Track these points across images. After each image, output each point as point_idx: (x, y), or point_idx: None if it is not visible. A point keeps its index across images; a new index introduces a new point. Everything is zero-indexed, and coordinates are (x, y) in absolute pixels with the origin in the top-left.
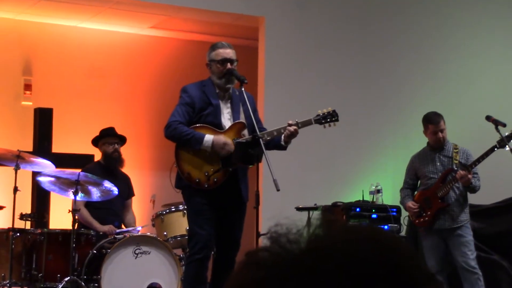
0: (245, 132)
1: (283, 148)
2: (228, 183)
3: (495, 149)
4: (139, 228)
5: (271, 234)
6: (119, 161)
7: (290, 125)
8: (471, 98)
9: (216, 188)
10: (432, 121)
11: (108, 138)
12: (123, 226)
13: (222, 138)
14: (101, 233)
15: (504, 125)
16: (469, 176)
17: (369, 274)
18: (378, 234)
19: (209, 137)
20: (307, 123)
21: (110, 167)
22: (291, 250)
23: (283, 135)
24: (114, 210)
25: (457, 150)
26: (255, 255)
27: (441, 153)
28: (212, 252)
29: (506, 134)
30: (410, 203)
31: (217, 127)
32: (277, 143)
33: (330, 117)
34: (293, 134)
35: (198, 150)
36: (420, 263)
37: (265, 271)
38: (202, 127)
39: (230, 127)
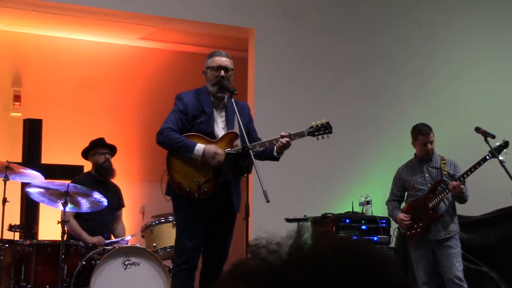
0: (238, 142)
1: (276, 159)
2: (219, 193)
3: (487, 158)
4: (128, 238)
5: (252, 247)
6: (110, 171)
7: (282, 136)
8: (460, 110)
9: (206, 198)
10: (422, 132)
11: (99, 148)
12: (112, 237)
13: (213, 148)
14: (90, 244)
15: (493, 137)
16: (462, 186)
17: (351, 284)
18: (360, 245)
19: (200, 146)
20: (300, 135)
21: (101, 178)
22: (271, 261)
23: (275, 146)
24: (104, 221)
25: (444, 162)
26: (237, 267)
27: (429, 164)
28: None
29: (497, 144)
30: (402, 215)
31: (209, 135)
32: (270, 154)
33: (323, 129)
34: (286, 146)
35: (189, 159)
36: (403, 275)
37: (247, 283)
38: (194, 135)
39: (223, 137)
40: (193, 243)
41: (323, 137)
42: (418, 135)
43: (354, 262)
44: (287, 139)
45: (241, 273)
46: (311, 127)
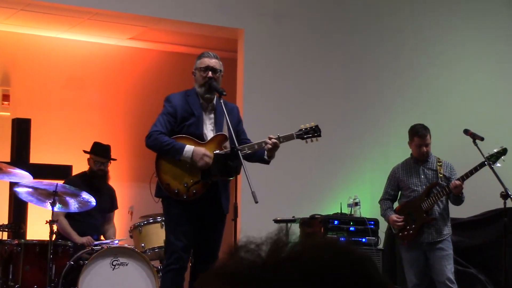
0: (227, 144)
1: (266, 162)
2: (208, 194)
3: (485, 163)
4: (117, 241)
5: (233, 247)
6: (103, 178)
7: (270, 138)
8: (448, 110)
9: (195, 200)
10: (418, 134)
11: (99, 158)
12: (102, 239)
13: (202, 150)
14: (79, 244)
15: (481, 139)
16: (463, 186)
17: (330, 284)
18: (338, 245)
19: (189, 148)
20: (288, 138)
21: (95, 180)
22: (251, 260)
23: (265, 150)
24: (93, 223)
25: (440, 164)
26: (217, 267)
27: (425, 165)
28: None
29: (495, 150)
30: (394, 216)
31: (198, 138)
32: (261, 157)
33: (312, 133)
34: (274, 148)
35: (178, 161)
36: (381, 274)
37: (227, 282)
38: (183, 137)
39: (211, 139)
40: (183, 243)
41: (311, 140)
42: (414, 137)
43: (333, 262)
44: (274, 140)
45: (221, 273)
46: (300, 130)
